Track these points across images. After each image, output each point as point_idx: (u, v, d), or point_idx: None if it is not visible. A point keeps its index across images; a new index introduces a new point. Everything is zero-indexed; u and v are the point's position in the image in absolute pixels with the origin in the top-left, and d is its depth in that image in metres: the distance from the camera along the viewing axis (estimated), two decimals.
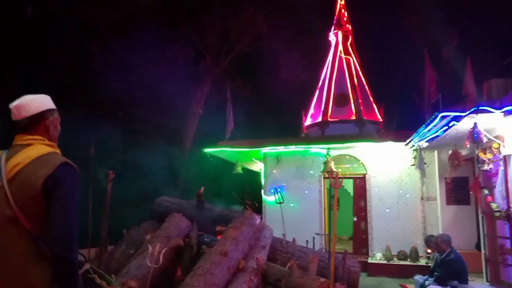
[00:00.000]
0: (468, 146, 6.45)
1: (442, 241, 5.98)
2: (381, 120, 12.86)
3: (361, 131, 11.82)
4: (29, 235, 1.76)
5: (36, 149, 1.90)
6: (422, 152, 8.39)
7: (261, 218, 5.92)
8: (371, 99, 13.27)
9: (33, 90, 2.11)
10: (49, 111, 2.04)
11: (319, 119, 12.67)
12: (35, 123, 1.97)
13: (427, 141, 7.84)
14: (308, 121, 13.37)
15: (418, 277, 6.35)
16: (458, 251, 6.48)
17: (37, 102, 2.01)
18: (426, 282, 5.92)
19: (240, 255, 4.83)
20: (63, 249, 1.73)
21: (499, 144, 6.42)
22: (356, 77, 13.29)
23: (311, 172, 10.38)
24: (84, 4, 14.76)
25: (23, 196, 1.78)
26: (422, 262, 8.78)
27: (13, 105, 1.98)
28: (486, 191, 6.81)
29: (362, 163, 10.14)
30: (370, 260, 9.14)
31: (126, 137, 14.03)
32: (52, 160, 1.86)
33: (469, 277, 6.22)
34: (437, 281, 5.75)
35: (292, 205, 10.22)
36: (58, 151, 1.99)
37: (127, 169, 12.91)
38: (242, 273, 4.69)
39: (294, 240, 6.63)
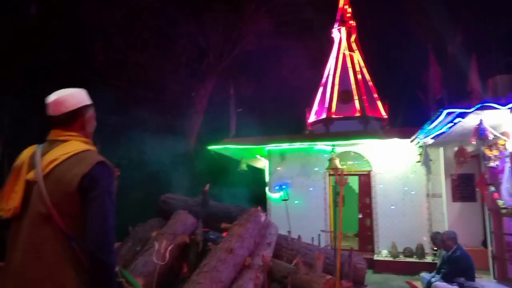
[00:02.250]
0: (473, 142, 6.43)
1: (448, 238, 5.96)
2: (385, 116, 12.83)
3: (366, 127, 11.81)
4: (63, 234, 1.71)
5: (73, 146, 1.85)
6: (428, 148, 8.36)
7: (266, 215, 5.91)
8: (375, 95, 13.23)
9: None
10: (87, 106, 2.00)
11: (323, 116, 12.66)
12: (73, 119, 1.92)
13: (432, 138, 7.81)
14: (312, 118, 13.36)
15: (425, 274, 6.34)
16: (464, 248, 6.47)
17: (75, 98, 1.96)
18: (433, 279, 5.90)
19: (246, 252, 4.83)
20: (100, 251, 1.68)
21: (505, 140, 6.39)
22: (360, 74, 13.27)
23: (316, 169, 10.36)
24: (87, 2, 14.77)
25: (58, 194, 1.73)
26: (428, 259, 8.76)
27: (50, 100, 1.92)
28: (492, 188, 6.78)
29: (367, 160, 10.11)
30: (376, 257, 9.12)
31: (131, 135, 14.06)
32: (89, 158, 1.81)
33: (476, 274, 6.20)
34: (443, 278, 5.73)
35: (296, 202, 10.21)
36: (94, 148, 1.95)
37: (132, 166, 12.94)
38: (248, 270, 4.68)
39: (299, 237, 6.63)
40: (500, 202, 6.48)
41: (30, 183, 1.77)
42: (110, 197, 1.78)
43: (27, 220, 1.74)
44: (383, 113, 12.90)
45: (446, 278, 5.68)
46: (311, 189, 10.32)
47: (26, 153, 1.89)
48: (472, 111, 5.93)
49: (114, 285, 1.76)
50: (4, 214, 1.76)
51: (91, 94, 2.09)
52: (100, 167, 1.79)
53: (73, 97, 1.95)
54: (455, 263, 5.69)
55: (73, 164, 1.77)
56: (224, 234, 5.37)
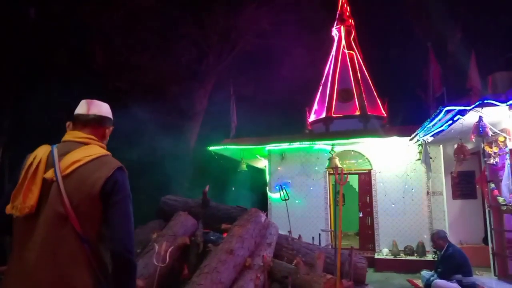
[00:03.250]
0: (473, 140, 6.43)
1: (439, 237, 5.99)
2: (385, 115, 12.82)
3: (366, 126, 11.80)
4: (77, 236, 1.73)
5: (94, 149, 1.90)
6: (428, 146, 8.36)
7: (266, 215, 5.92)
8: (375, 94, 13.23)
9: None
10: (112, 122, 2.12)
11: (323, 115, 12.65)
12: (99, 124, 2.03)
13: (432, 136, 7.81)
14: (312, 117, 13.35)
15: (424, 273, 6.34)
16: (460, 246, 6.47)
17: (109, 110, 2.12)
18: (431, 278, 5.90)
19: (246, 253, 4.83)
20: (127, 251, 1.75)
21: (505, 137, 6.39)
22: (360, 72, 13.26)
23: (316, 168, 10.37)
24: (86, 4, 14.78)
25: (79, 195, 1.76)
26: (429, 257, 8.76)
27: (87, 99, 2.05)
28: (492, 185, 6.78)
29: (367, 158, 10.11)
30: (376, 256, 9.13)
31: (130, 136, 14.06)
32: (111, 162, 1.88)
33: (476, 272, 6.20)
34: (440, 277, 5.74)
35: (297, 201, 10.21)
36: (110, 154, 2.01)
37: (131, 168, 12.94)
38: (249, 271, 4.69)
39: (300, 237, 6.64)
40: (500, 199, 6.48)
41: (47, 182, 1.78)
42: (131, 201, 1.86)
43: (42, 220, 1.74)
44: (383, 111, 12.89)
45: (443, 277, 5.69)
46: (312, 188, 10.33)
47: (41, 152, 1.88)
48: (472, 108, 5.92)
49: (136, 282, 1.85)
50: (17, 213, 1.74)
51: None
52: (120, 172, 1.86)
53: (108, 108, 2.12)
54: (449, 261, 5.71)
55: (97, 167, 1.81)
56: (225, 235, 5.38)
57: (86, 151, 1.87)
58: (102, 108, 2.06)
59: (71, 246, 1.72)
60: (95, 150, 1.90)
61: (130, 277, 1.79)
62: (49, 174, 1.78)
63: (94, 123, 2.00)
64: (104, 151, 1.94)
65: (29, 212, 1.73)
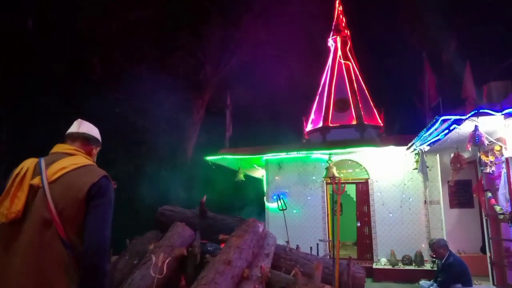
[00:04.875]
0: (470, 149, 6.45)
1: (439, 246, 5.97)
2: (382, 124, 12.88)
3: (363, 135, 11.85)
4: (61, 240, 1.76)
5: (80, 159, 1.99)
6: (424, 155, 8.38)
7: (264, 225, 5.90)
8: (372, 103, 13.30)
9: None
10: (99, 145, 2.23)
11: (320, 124, 12.70)
12: (88, 142, 2.14)
13: (428, 145, 7.84)
14: (309, 127, 13.40)
15: (423, 283, 6.32)
16: (458, 255, 6.44)
17: (97, 132, 2.26)
18: None
19: (244, 264, 4.80)
20: (96, 256, 1.75)
21: (501, 146, 6.43)
22: (356, 82, 13.35)
23: (313, 178, 10.37)
24: (83, 16, 14.86)
25: (65, 199, 1.80)
26: (427, 266, 8.73)
27: (79, 119, 2.18)
28: (489, 194, 6.79)
29: (364, 168, 10.12)
30: (375, 266, 9.09)
31: (128, 147, 14.05)
32: (96, 170, 1.96)
33: (475, 281, 6.18)
34: (440, 286, 5.72)
35: (294, 211, 10.19)
36: (95, 165, 2.09)
37: (129, 179, 12.91)
38: (247, 282, 4.65)
39: (298, 247, 6.61)
40: (497, 208, 6.49)
41: (33, 189, 1.83)
42: (111, 209, 1.90)
43: (28, 225, 1.77)
44: (380, 121, 12.95)
45: (443, 286, 5.66)
46: (309, 198, 10.32)
47: (28, 162, 1.95)
48: (467, 118, 5.96)
49: None
50: (3, 219, 1.77)
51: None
52: (105, 179, 1.93)
53: (97, 131, 2.26)
54: (450, 270, 5.68)
55: (83, 174, 1.88)
56: (222, 245, 5.35)
57: (73, 160, 1.95)
58: (93, 129, 2.20)
59: (54, 250, 1.74)
60: (81, 159, 1.98)
61: (97, 284, 1.76)
62: (36, 180, 1.84)
63: (83, 140, 2.11)
64: (89, 162, 2.02)
65: (15, 217, 1.77)
